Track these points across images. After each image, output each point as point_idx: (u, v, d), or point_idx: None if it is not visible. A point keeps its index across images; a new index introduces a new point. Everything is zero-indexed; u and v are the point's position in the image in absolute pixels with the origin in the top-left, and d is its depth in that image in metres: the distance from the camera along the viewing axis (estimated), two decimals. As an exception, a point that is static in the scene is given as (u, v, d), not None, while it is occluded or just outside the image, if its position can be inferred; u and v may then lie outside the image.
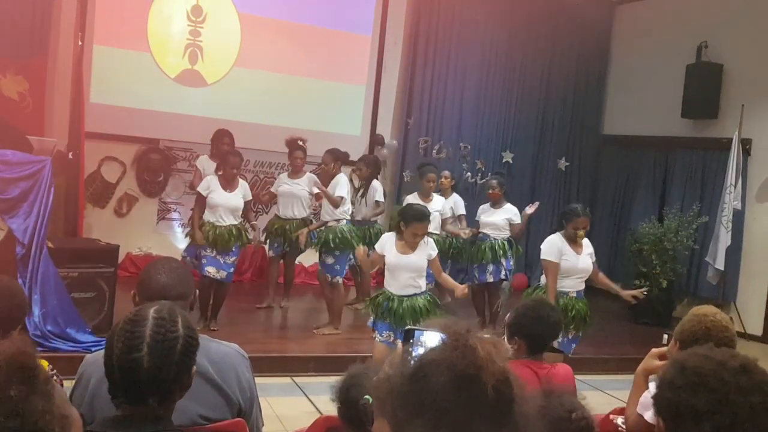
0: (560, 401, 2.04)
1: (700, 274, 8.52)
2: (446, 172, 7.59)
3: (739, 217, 8.14)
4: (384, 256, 4.65)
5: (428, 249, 4.66)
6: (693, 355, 1.39)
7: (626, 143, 9.73)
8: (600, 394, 5.56)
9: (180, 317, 1.68)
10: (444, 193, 7.26)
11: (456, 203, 7.25)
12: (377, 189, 7.10)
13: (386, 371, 1.26)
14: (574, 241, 4.97)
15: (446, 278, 5.00)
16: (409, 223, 4.53)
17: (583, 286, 5.06)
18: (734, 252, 8.17)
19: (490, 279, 6.80)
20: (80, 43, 6.78)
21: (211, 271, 5.79)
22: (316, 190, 6.42)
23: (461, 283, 6.66)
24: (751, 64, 8.33)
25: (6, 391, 0.97)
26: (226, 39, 8.33)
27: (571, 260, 4.96)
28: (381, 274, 5.24)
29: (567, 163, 10.03)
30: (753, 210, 8.36)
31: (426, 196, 6.71)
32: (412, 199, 6.62)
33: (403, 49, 9.31)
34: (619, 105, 9.99)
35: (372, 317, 4.73)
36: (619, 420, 2.69)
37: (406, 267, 4.61)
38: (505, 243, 6.83)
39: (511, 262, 6.97)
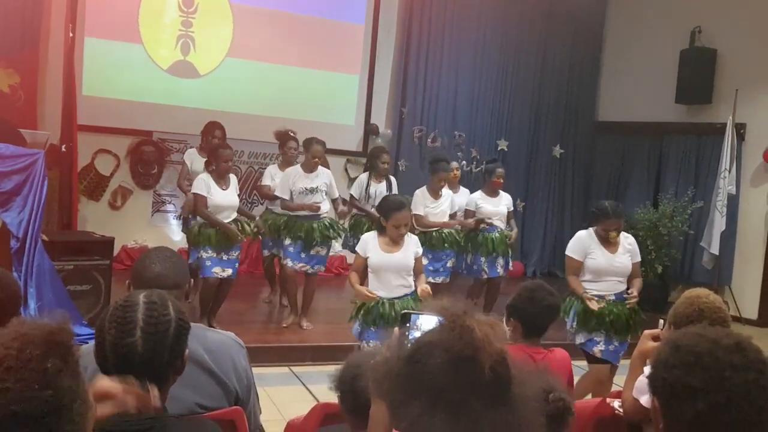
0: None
1: (695, 259, 8.55)
2: (455, 164, 7.08)
3: (733, 202, 8.17)
4: (366, 258, 4.22)
5: (413, 246, 4.32)
6: (687, 334, 1.40)
7: (621, 129, 9.74)
8: (597, 380, 5.57)
9: (170, 301, 1.68)
10: (451, 186, 6.79)
11: (467, 198, 6.79)
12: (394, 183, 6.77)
13: (384, 354, 1.27)
14: (606, 241, 4.52)
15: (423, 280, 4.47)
16: (389, 215, 4.17)
17: (622, 288, 4.56)
18: (729, 237, 8.21)
19: (501, 272, 6.51)
20: (71, 34, 6.74)
21: (217, 271, 5.51)
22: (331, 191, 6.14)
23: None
24: (745, 48, 8.33)
25: (43, 363, 1.02)
26: (218, 29, 8.30)
27: (599, 260, 4.49)
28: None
29: (562, 150, 10.03)
30: (747, 194, 8.39)
31: (435, 193, 6.31)
32: (421, 193, 6.32)
33: (396, 37, 9.28)
34: (614, 91, 9.99)
35: (357, 325, 4.27)
36: (616, 403, 2.70)
37: (392, 266, 4.21)
38: (509, 234, 6.63)
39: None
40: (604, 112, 10.18)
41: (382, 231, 4.26)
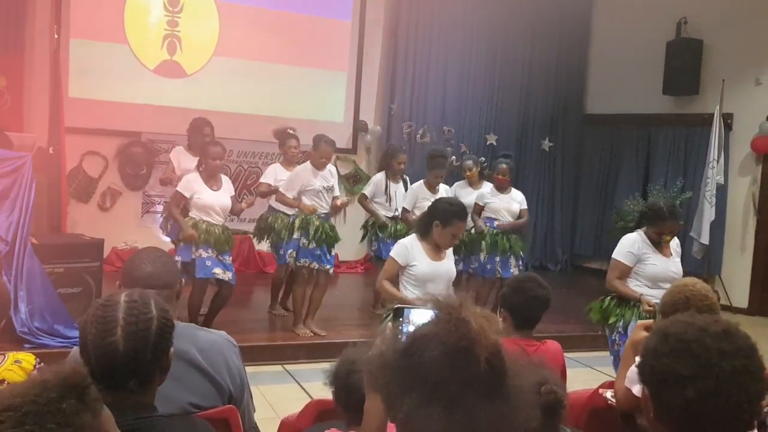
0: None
1: (684, 249, 8.53)
2: (469, 162, 6.88)
3: (722, 192, 8.22)
4: (406, 266, 3.82)
5: (451, 254, 3.98)
6: (675, 322, 1.40)
7: (609, 122, 9.78)
8: (589, 371, 5.62)
9: (152, 300, 1.66)
10: (472, 184, 6.71)
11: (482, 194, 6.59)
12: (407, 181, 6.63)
13: (378, 346, 1.27)
14: (658, 244, 4.14)
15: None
16: (450, 221, 3.75)
17: None
18: (718, 226, 8.26)
19: (515, 272, 6.25)
20: (56, 36, 6.70)
21: (218, 272, 5.23)
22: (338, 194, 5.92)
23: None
24: (731, 38, 8.38)
25: (60, 404, 1.11)
26: (205, 28, 8.27)
27: (658, 265, 4.11)
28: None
29: (551, 144, 10.07)
30: (736, 184, 8.44)
31: (432, 188, 6.18)
32: (418, 187, 6.24)
33: (383, 33, 9.27)
34: (601, 84, 10.03)
35: None
36: (608, 394, 2.72)
37: (441, 277, 3.80)
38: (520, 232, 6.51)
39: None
40: (592, 105, 10.22)
41: (425, 236, 3.84)
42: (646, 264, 4.11)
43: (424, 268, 3.79)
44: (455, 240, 3.85)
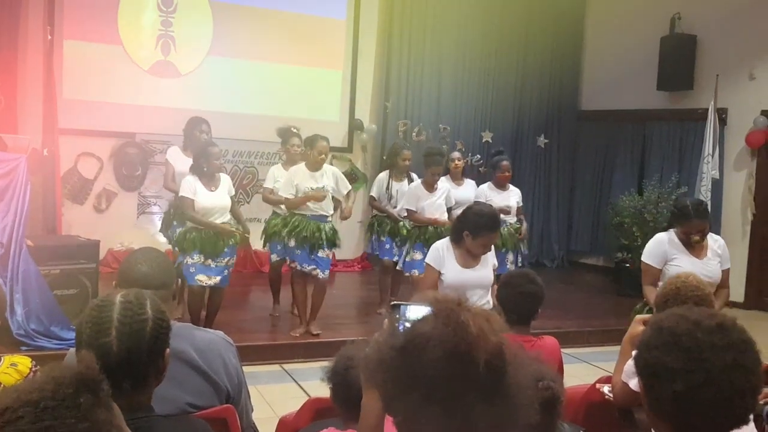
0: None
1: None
2: (456, 154, 6.93)
3: (717, 186, 8.22)
4: (440, 273, 3.75)
5: (491, 258, 3.89)
6: (670, 315, 1.41)
7: (604, 118, 9.78)
8: (586, 366, 5.62)
9: (149, 300, 1.65)
10: (454, 178, 6.69)
11: (473, 191, 6.61)
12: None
13: (376, 339, 1.27)
14: (689, 244, 3.97)
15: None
16: (480, 233, 3.68)
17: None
18: (714, 221, 8.22)
19: (511, 268, 6.18)
20: (49, 37, 6.68)
21: (202, 279, 5.19)
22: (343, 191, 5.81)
23: None
24: (724, 33, 8.39)
25: (77, 399, 1.11)
26: (199, 28, 8.24)
27: (682, 267, 3.82)
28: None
29: (546, 140, 10.07)
30: (730, 178, 8.46)
31: (430, 186, 6.14)
32: (415, 187, 6.21)
33: (378, 31, 9.26)
34: (596, 80, 10.03)
35: None
36: (606, 388, 2.72)
37: (472, 284, 3.69)
38: (519, 227, 6.51)
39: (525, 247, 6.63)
40: (587, 101, 10.23)
41: (458, 241, 3.78)
42: (671, 266, 3.95)
43: (452, 277, 3.73)
44: (487, 249, 3.78)
